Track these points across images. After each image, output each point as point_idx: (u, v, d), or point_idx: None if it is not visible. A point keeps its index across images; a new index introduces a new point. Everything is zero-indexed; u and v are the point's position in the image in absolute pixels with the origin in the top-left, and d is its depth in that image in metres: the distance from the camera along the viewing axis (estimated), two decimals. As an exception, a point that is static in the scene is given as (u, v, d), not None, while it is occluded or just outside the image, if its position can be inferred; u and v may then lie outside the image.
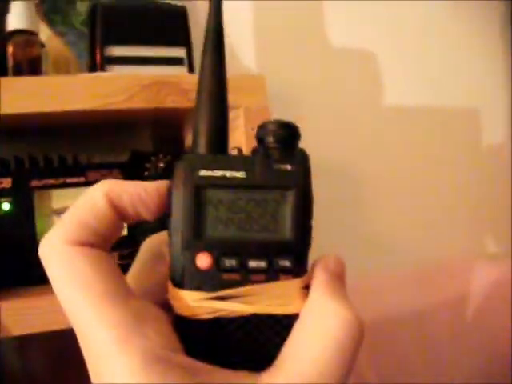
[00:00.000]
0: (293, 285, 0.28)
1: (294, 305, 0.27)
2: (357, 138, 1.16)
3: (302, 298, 0.28)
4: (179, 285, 0.27)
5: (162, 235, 0.30)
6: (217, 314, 0.27)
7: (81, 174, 0.65)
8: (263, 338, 0.28)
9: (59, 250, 0.26)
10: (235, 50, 1.02)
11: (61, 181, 0.64)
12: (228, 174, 0.27)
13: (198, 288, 0.27)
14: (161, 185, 0.28)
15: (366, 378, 0.70)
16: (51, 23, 0.82)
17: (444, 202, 1.24)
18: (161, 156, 0.66)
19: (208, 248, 0.27)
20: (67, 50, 0.81)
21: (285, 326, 0.27)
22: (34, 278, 0.52)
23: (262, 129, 0.29)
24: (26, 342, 0.82)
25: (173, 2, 0.77)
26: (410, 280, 0.89)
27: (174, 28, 0.76)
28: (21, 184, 0.62)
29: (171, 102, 0.64)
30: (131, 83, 0.62)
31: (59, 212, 0.63)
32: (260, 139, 0.29)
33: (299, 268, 0.28)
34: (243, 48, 1.04)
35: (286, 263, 0.27)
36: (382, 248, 1.16)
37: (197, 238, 0.27)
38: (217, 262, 0.27)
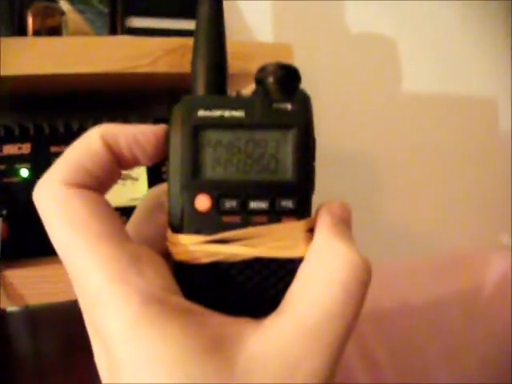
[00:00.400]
0: (296, 227, 0.26)
1: (298, 248, 0.26)
2: (373, 124, 1.13)
3: (306, 241, 0.26)
4: (178, 229, 0.27)
5: (164, 185, 0.29)
6: (217, 258, 0.26)
7: (100, 139, 0.64)
8: (266, 284, 0.27)
9: (55, 190, 0.25)
10: (253, 32, 1.00)
11: (80, 147, 0.63)
12: (227, 113, 0.26)
13: (197, 231, 0.26)
14: (159, 128, 0.27)
15: (380, 364, 0.68)
16: (69, 1, 0.82)
17: (460, 191, 1.22)
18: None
19: (207, 189, 0.26)
20: (86, 25, 0.80)
21: (288, 270, 0.26)
22: (52, 246, 0.52)
23: (262, 70, 0.28)
24: (36, 316, 0.83)
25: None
26: (424, 268, 0.87)
27: (195, 1, 0.75)
28: (40, 150, 0.62)
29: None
30: (155, 47, 0.61)
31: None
32: (259, 81, 0.28)
33: (302, 210, 0.27)
34: (260, 30, 1.02)
35: (289, 204, 0.26)
36: (396, 236, 1.14)
37: (195, 180, 0.26)
38: (216, 203, 0.26)
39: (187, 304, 0.24)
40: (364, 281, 0.25)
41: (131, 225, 0.29)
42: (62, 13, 0.69)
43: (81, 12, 0.79)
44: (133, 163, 0.28)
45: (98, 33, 0.80)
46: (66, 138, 0.63)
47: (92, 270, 0.24)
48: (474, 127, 1.23)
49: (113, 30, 0.75)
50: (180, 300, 0.24)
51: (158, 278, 0.24)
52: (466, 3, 1.21)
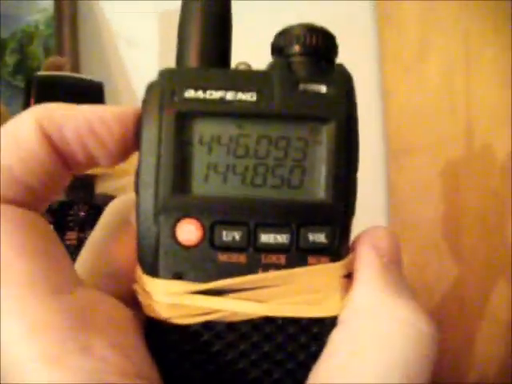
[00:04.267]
0: (329, 272, 0.18)
1: (331, 303, 0.18)
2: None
3: (341, 293, 0.18)
4: (151, 271, 0.18)
5: (133, 196, 0.20)
6: (210, 317, 0.18)
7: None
8: (282, 355, 0.18)
9: None
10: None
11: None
12: (229, 96, 0.18)
13: (180, 275, 0.18)
14: (126, 112, 0.18)
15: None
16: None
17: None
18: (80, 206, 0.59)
19: (196, 212, 0.18)
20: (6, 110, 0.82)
21: (315, 335, 0.18)
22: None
23: (284, 34, 0.19)
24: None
25: (93, 78, 0.80)
26: None
27: (92, 100, 0.78)
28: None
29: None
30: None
31: None
32: (279, 49, 0.19)
33: (339, 246, 0.18)
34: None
35: (320, 238, 0.18)
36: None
37: (178, 197, 0.18)
38: (210, 233, 0.18)
39: None
40: (432, 357, 0.17)
41: (87, 256, 0.20)
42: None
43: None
44: (87, 164, 0.18)
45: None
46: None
47: (11, 339, 0.15)
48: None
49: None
50: None
51: (118, 351, 0.16)
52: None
